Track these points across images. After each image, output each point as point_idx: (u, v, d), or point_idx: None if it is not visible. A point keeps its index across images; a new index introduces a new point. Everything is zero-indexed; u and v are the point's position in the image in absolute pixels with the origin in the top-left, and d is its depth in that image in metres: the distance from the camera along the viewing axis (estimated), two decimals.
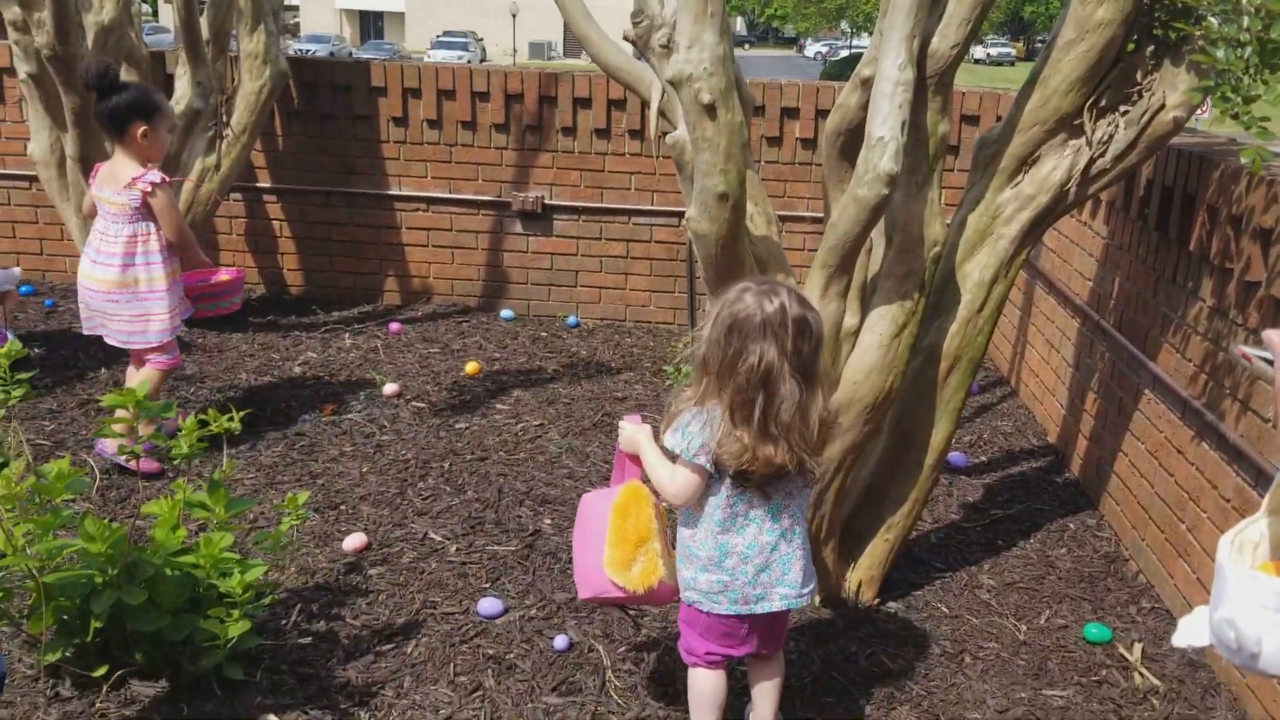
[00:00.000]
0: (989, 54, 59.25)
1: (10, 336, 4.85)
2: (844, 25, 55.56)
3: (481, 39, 57.36)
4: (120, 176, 3.86)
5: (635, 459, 2.51)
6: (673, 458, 2.38)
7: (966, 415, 4.92)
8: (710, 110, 2.59)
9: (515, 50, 55.50)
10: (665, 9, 2.83)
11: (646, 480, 2.50)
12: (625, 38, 2.92)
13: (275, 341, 5.44)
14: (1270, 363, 1.47)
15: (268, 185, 6.06)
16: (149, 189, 3.83)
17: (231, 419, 2.91)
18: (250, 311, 5.87)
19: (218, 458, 3.88)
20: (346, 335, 5.59)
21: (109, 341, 4.00)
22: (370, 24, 67.14)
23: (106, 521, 2.58)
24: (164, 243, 3.92)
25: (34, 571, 2.55)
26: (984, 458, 4.50)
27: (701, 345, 2.30)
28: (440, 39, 53.63)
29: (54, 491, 2.70)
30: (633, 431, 2.51)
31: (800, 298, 2.30)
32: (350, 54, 43.64)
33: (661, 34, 2.82)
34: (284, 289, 6.22)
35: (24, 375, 3.11)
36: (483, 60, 53.10)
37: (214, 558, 2.68)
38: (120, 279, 3.89)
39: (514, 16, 54.35)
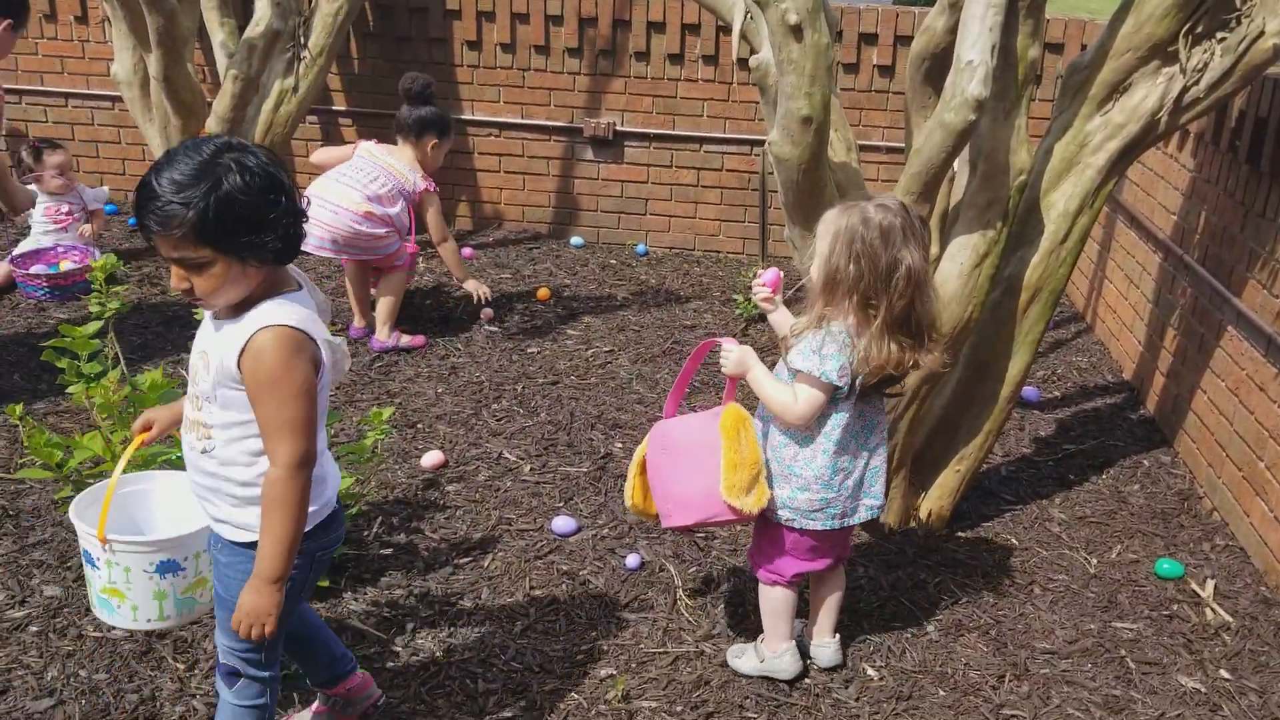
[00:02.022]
0: None
1: (98, 254, 4.99)
2: None
3: None
4: (401, 164, 4.44)
5: (733, 380, 2.50)
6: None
7: (1040, 351, 4.87)
8: (797, 31, 2.56)
9: None
10: None
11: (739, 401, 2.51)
12: None
13: None
14: None
15: (343, 108, 6.11)
16: (433, 189, 4.50)
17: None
18: None
19: None
20: (420, 259, 5.65)
21: (341, 257, 4.52)
22: None
23: None
24: (411, 219, 4.50)
25: None
26: (1057, 393, 4.46)
27: (830, 266, 2.32)
28: None
29: (147, 401, 2.81)
30: (740, 354, 2.47)
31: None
32: None
33: None
34: None
35: (119, 288, 3.21)
36: None
37: None
38: (375, 216, 4.34)
39: None
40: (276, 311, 1.82)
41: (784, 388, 2.40)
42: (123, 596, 2.18)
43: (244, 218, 1.75)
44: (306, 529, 1.94)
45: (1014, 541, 3.33)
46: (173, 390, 2.86)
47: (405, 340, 4.53)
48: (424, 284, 5.31)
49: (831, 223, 2.35)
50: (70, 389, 2.63)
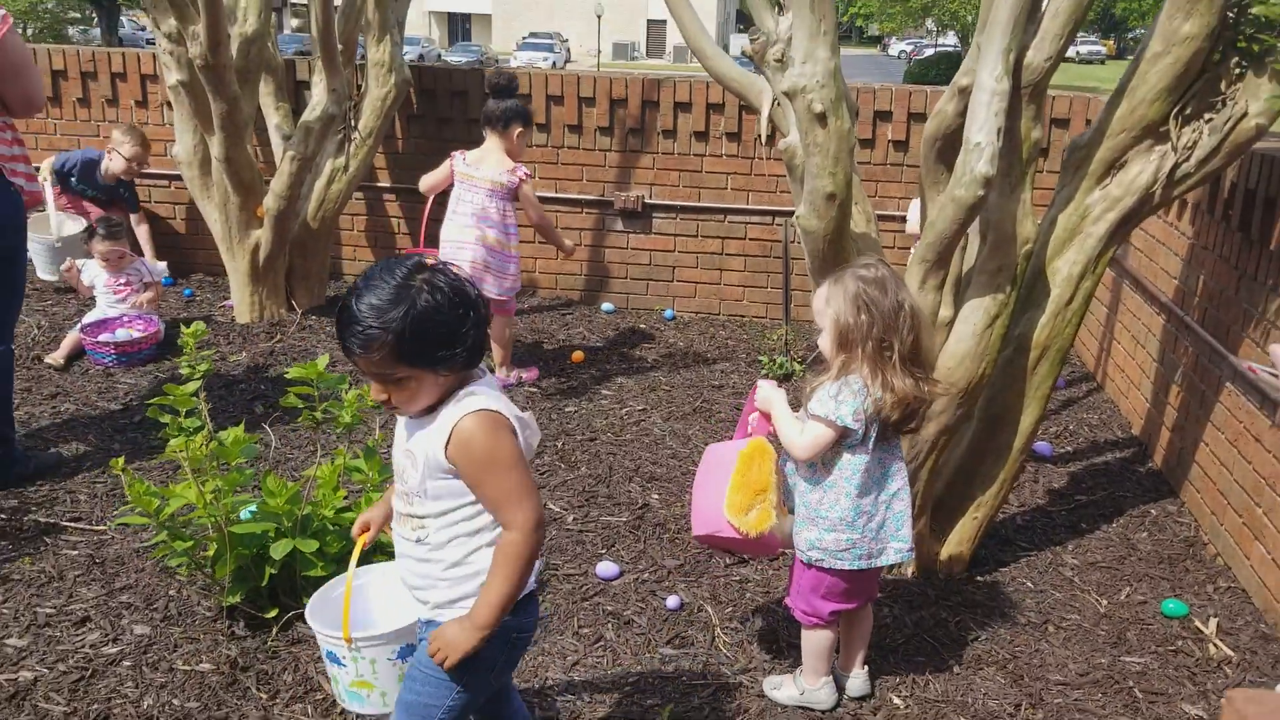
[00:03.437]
0: (1078, 52, 58.08)
1: (159, 322, 5.31)
2: (929, 23, 55.03)
3: (566, 40, 58.09)
4: (496, 163, 4.83)
5: (766, 416, 2.79)
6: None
7: (1054, 408, 5.12)
8: (821, 119, 2.86)
9: (599, 51, 56.02)
10: (779, 27, 3.11)
11: (773, 440, 2.78)
12: (743, 53, 3.20)
13: None
14: (1276, 375, 1.71)
15: (387, 185, 6.47)
16: (526, 176, 4.87)
17: None
18: None
19: (365, 431, 4.25)
20: None
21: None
22: (458, 26, 68.27)
23: (284, 480, 2.94)
24: (516, 219, 4.89)
25: (221, 523, 2.92)
26: (1070, 448, 4.70)
27: (841, 325, 2.59)
28: (526, 40, 54.44)
29: (230, 455, 3.08)
30: (769, 390, 2.78)
31: None
32: (439, 56, 44.53)
33: (776, 49, 3.10)
34: None
35: (206, 353, 3.50)
36: (567, 61, 53.71)
37: None
38: (501, 241, 4.80)
39: (599, 18, 54.90)
40: (471, 400, 1.96)
41: (796, 423, 2.69)
42: (371, 687, 2.36)
43: (438, 335, 1.90)
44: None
45: (1029, 584, 3.55)
46: (251, 445, 3.14)
47: (525, 375, 5.14)
48: None
49: (827, 294, 2.64)
50: (171, 442, 2.91)
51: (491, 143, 4.89)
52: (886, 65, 59.66)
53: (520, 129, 4.89)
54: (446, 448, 1.95)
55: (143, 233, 6.37)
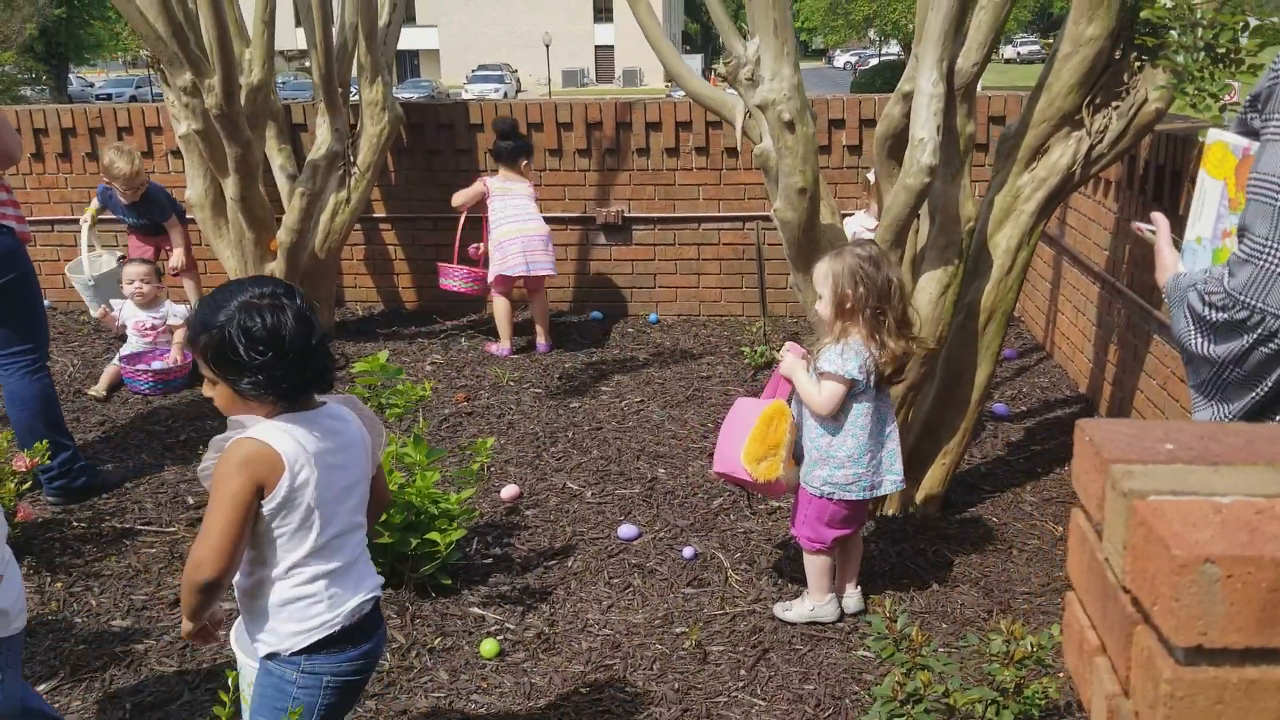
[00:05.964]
0: (1019, 53, 59.41)
1: (190, 354, 5.74)
2: (871, 34, 56.21)
3: (515, 70, 58.71)
4: (519, 183, 6.08)
5: (788, 381, 3.29)
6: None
7: (1008, 375, 5.68)
8: (790, 126, 3.39)
9: (550, 79, 56.73)
10: (748, 51, 3.63)
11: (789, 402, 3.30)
12: (718, 74, 3.74)
13: (404, 348, 6.30)
14: (1154, 232, 2.36)
15: (383, 215, 6.95)
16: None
17: (424, 388, 3.75)
18: (375, 324, 6.77)
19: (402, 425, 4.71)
20: (463, 339, 6.44)
21: (546, 273, 6.12)
22: (406, 63, 68.75)
23: None
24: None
25: None
26: (1024, 408, 5.24)
27: (839, 295, 3.10)
28: (476, 73, 54.99)
29: None
30: (793, 361, 3.27)
31: None
32: None
33: (746, 70, 3.63)
34: (401, 304, 7.10)
35: None
36: (519, 91, 54.32)
37: (426, 491, 3.51)
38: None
39: (547, 47, 55.64)
40: (258, 429, 2.06)
41: (814, 385, 3.19)
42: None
43: (236, 359, 2.00)
44: (301, 646, 2.10)
45: (995, 519, 4.08)
46: None
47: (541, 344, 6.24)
48: (471, 359, 6.08)
49: (828, 267, 3.15)
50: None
51: (506, 172, 6.04)
52: (834, 77, 60.83)
53: (525, 160, 6.13)
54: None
55: (189, 286, 6.54)
